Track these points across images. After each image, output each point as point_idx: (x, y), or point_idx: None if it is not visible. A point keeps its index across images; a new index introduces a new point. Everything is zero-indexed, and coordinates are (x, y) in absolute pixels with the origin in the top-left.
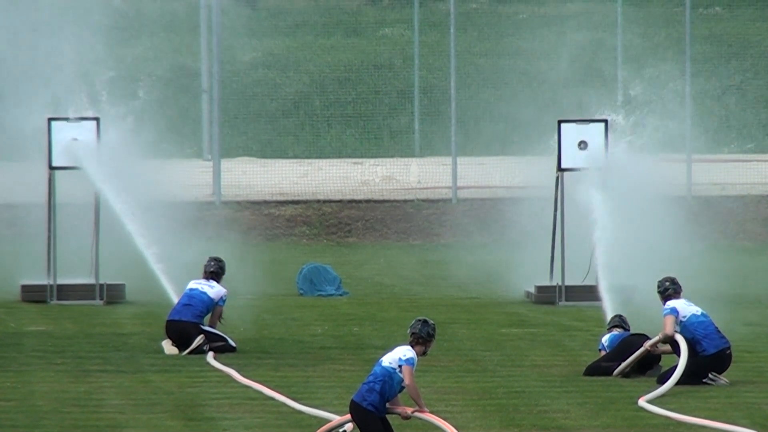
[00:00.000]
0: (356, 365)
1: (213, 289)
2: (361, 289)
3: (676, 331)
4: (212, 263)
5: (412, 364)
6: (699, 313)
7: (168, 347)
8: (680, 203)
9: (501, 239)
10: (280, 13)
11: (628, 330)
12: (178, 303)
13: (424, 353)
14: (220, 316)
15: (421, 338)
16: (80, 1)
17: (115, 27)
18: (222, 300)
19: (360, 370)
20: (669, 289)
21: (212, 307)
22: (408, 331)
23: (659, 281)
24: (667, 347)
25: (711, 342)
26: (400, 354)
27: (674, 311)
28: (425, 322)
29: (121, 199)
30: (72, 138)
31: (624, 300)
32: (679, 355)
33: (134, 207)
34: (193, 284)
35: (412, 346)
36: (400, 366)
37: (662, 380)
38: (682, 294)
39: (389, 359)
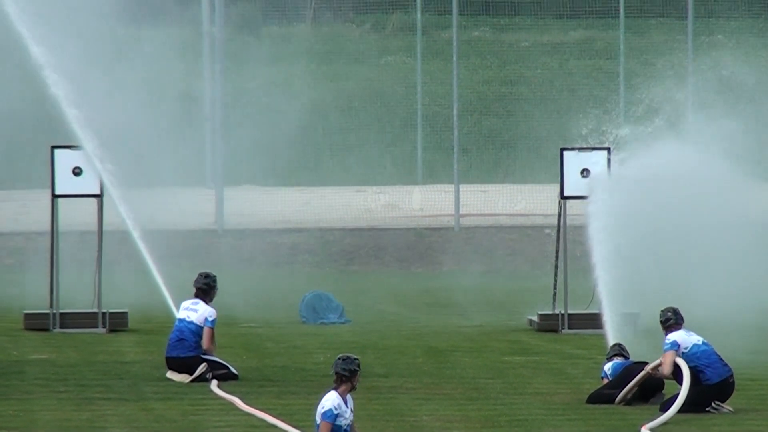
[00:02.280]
0: (358, 393)
1: (197, 313)
2: (363, 317)
3: (678, 357)
4: (200, 279)
5: (329, 417)
6: (700, 342)
7: (176, 376)
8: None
9: (503, 267)
10: (283, 40)
11: (628, 358)
12: (172, 338)
13: (353, 388)
14: (212, 340)
15: (344, 377)
16: (83, 28)
17: (117, 54)
18: (208, 321)
19: (362, 398)
20: (671, 320)
21: (202, 331)
22: (331, 370)
23: (661, 311)
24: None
25: (714, 371)
26: (319, 408)
27: (674, 345)
28: (346, 359)
29: (137, 224)
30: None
31: (627, 327)
32: (681, 382)
33: (146, 232)
34: (182, 312)
35: (337, 386)
36: (321, 421)
37: (665, 407)
38: (683, 324)
39: (317, 414)
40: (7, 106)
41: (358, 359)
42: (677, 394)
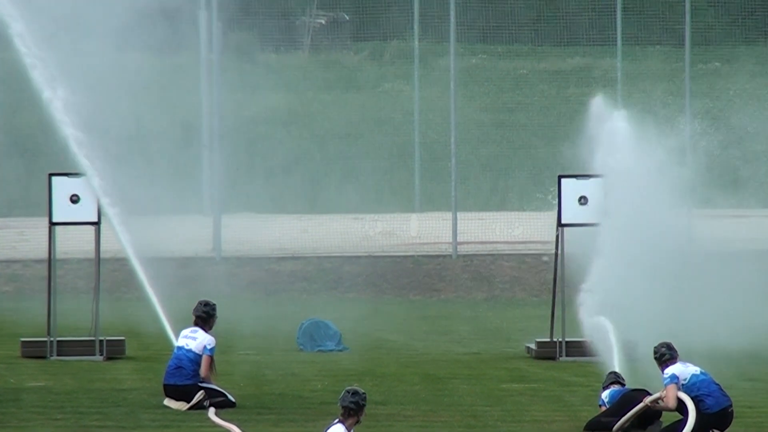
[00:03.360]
0: None
1: (196, 341)
2: (361, 345)
3: (679, 389)
4: (200, 307)
5: None
6: (698, 372)
7: (173, 404)
8: (681, 257)
9: (501, 294)
10: (281, 68)
11: (624, 385)
12: (170, 365)
13: (357, 422)
14: (212, 368)
15: (351, 410)
16: (82, 59)
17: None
18: (207, 349)
19: (360, 425)
20: (665, 355)
21: (201, 359)
22: (338, 403)
23: (655, 348)
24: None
25: (715, 400)
26: None
27: (674, 378)
28: (354, 392)
29: (137, 250)
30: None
31: (626, 355)
32: (683, 413)
33: (144, 260)
34: (181, 339)
35: (344, 420)
36: None
37: None
38: (678, 358)
39: None
40: (4, 133)
41: (365, 393)
42: (678, 421)
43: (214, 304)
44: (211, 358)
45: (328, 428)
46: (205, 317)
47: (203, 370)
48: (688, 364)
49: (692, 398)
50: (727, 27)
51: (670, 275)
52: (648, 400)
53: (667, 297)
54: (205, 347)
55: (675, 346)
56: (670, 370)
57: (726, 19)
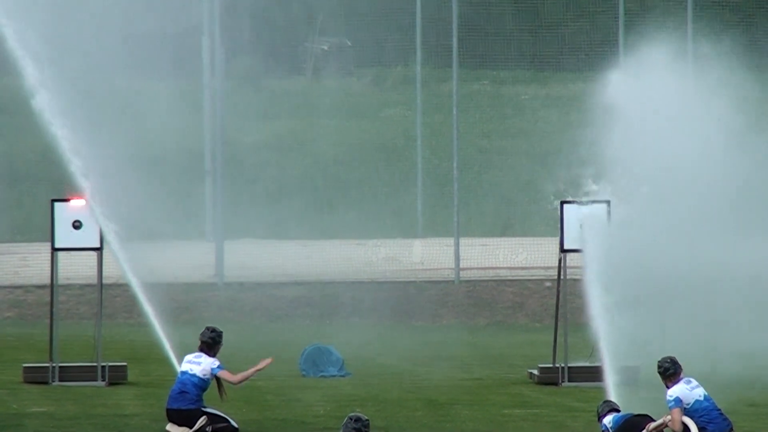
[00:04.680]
0: None
1: (200, 366)
2: (363, 370)
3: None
4: (207, 333)
5: None
6: (702, 398)
7: (176, 429)
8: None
9: (504, 320)
10: (284, 94)
11: (619, 411)
12: (174, 390)
13: None
14: (221, 388)
15: None
16: (87, 85)
17: (118, 106)
18: (215, 369)
19: None
20: (669, 370)
21: (205, 384)
22: (341, 430)
23: (659, 362)
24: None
25: (716, 426)
26: None
27: (678, 402)
28: (357, 419)
29: (137, 276)
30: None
31: (627, 381)
32: None
33: (146, 285)
34: (185, 365)
35: None
36: None
37: None
38: (682, 373)
39: None
40: (7, 159)
41: (368, 420)
42: None
43: (221, 332)
44: (225, 371)
45: None
46: (211, 343)
47: (234, 378)
48: (691, 381)
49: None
50: (726, 55)
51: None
52: (652, 426)
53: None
54: (212, 369)
55: (679, 361)
56: (674, 392)
57: (726, 46)
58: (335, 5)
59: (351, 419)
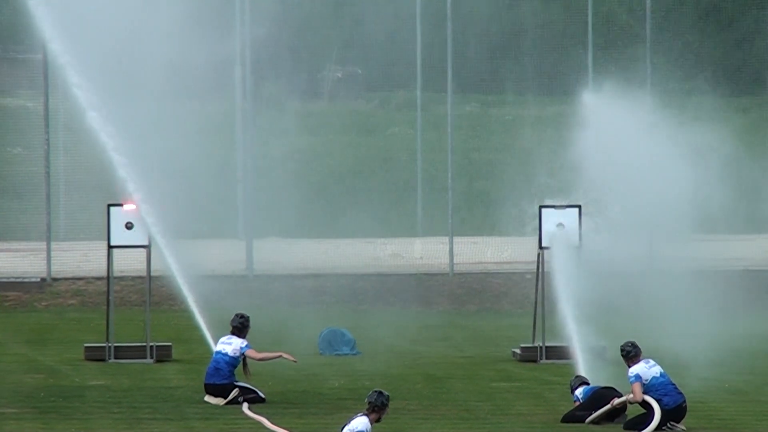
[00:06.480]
0: None
1: (231, 346)
2: (372, 349)
3: (644, 393)
4: (236, 318)
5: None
6: (658, 375)
7: (212, 400)
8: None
9: (491, 306)
10: (307, 115)
11: (589, 384)
12: (209, 368)
13: (378, 420)
14: (245, 366)
15: (377, 407)
16: (133, 107)
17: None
18: (244, 347)
19: (380, 423)
20: (631, 352)
21: (236, 362)
22: (366, 399)
23: (621, 346)
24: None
25: (671, 398)
26: (354, 426)
27: (638, 378)
28: (380, 393)
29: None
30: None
31: (596, 358)
32: (646, 407)
33: (188, 278)
34: (219, 345)
35: (368, 414)
36: None
37: (629, 427)
38: (642, 355)
39: (348, 430)
40: (71, 170)
41: (389, 395)
42: (643, 414)
43: (248, 317)
44: (252, 349)
45: (353, 418)
46: (240, 327)
47: (258, 355)
48: (649, 361)
49: (653, 397)
50: (703, 76)
51: (634, 290)
52: (617, 402)
53: (635, 309)
54: (240, 348)
55: (639, 345)
56: (634, 370)
57: (703, 69)
58: (348, 39)
59: (376, 392)
